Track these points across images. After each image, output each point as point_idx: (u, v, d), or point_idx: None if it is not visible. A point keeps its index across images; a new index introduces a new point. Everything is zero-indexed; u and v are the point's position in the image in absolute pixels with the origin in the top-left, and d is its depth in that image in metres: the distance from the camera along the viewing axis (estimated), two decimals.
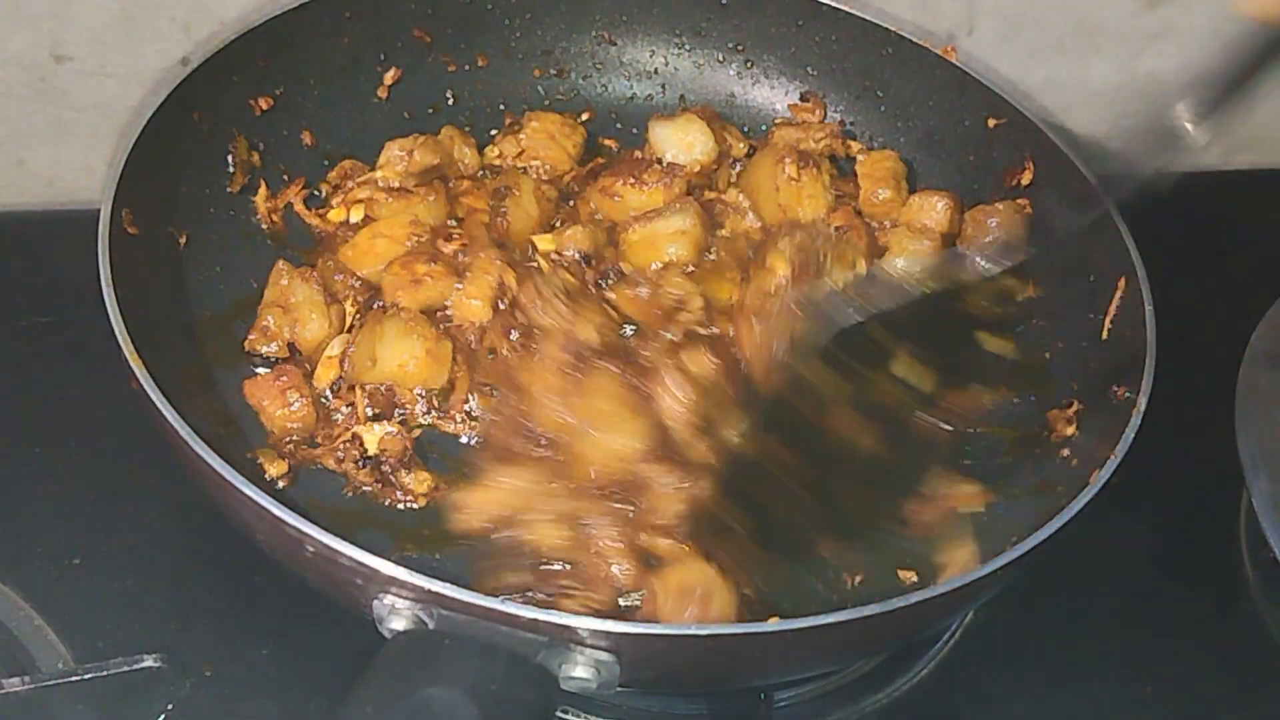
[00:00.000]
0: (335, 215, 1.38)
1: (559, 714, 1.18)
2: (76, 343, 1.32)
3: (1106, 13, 1.65)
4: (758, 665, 1.09)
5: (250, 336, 1.27)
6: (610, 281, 1.34)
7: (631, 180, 1.42)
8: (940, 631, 1.27)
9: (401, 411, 1.25)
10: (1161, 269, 1.28)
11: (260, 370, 1.26)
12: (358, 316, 1.30)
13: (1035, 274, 1.41)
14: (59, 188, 1.57)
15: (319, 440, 1.23)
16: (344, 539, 0.97)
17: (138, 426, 1.11)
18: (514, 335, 1.27)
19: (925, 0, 1.59)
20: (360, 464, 1.22)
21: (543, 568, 1.14)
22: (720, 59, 1.59)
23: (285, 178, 1.41)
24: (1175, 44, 1.67)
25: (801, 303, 1.20)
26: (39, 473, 1.30)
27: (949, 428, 1.20)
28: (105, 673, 1.12)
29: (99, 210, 1.17)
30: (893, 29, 1.51)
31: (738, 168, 1.50)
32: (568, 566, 1.15)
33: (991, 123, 1.47)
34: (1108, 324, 1.30)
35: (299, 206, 1.40)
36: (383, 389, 1.25)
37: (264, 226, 1.38)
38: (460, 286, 1.30)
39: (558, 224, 1.41)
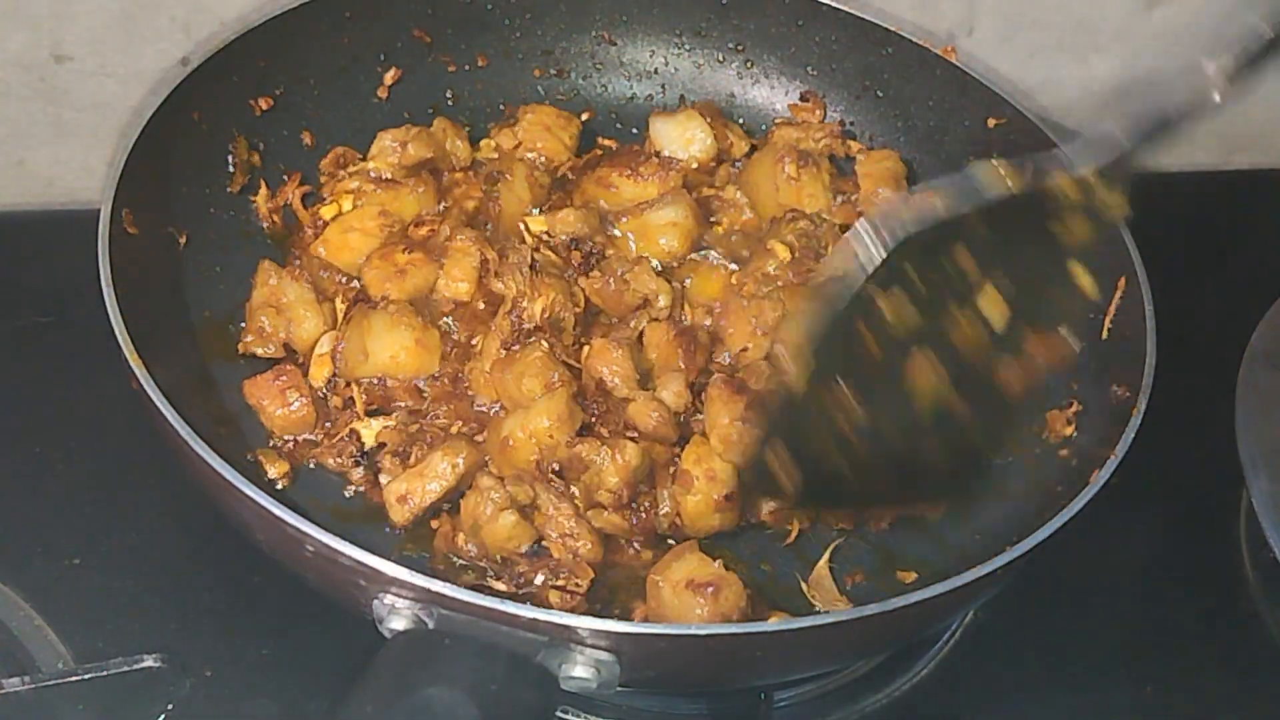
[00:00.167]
0: (327, 211, 1.38)
1: (559, 714, 1.18)
2: (76, 343, 1.32)
3: (1106, 13, 1.65)
4: (758, 665, 1.09)
5: (245, 339, 1.27)
6: (590, 264, 1.34)
7: (628, 172, 1.43)
8: (940, 631, 1.27)
9: (398, 405, 1.26)
10: (1161, 269, 1.28)
11: (260, 370, 1.25)
12: (347, 312, 1.30)
13: None
14: (59, 188, 1.57)
15: (318, 439, 1.23)
16: (344, 539, 0.97)
17: (138, 426, 1.11)
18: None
19: (925, 0, 1.59)
20: (359, 460, 1.22)
21: (509, 561, 1.14)
22: (720, 59, 1.59)
23: (285, 178, 1.41)
24: (1175, 44, 1.67)
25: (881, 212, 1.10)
26: (39, 473, 1.30)
27: (1022, 386, 1.10)
28: (105, 673, 1.12)
29: (99, 210, 1.17)
30: (893, 29, 1.51)
31: (738, 166, 1.50)
32: (533, 556, 1.15)
33: (991, 123, 1.47)
34: (1108, 324, 1.30)
35: (296, 204, 1.40)
36: (377, 382, 1.26)
37: (264, 226, 1.38)
38: (442, 272, 1.31)
39: (548, 208, 1.41)
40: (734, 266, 1.38)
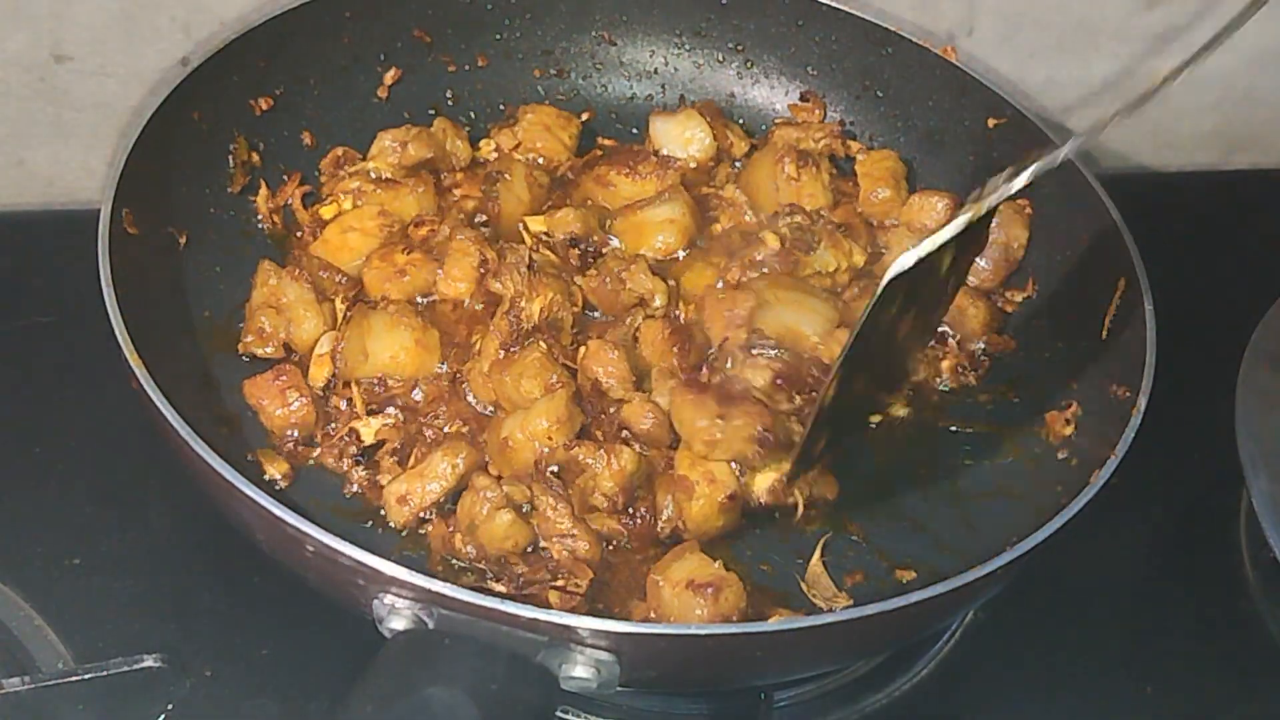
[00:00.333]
0: (327, 211, 1.38)
1: (559, 714, 1.18)
2: (76, 343, 1.32)
3: (1106, 13, 1.65)
4: (758, 665, 1.09)
5: (246, 339, 1.27)
6: (588, 262, 1.34)
7: (626, 170, 1.43)
8: (940, 631, 1.27)
9: (398, 405, 1.26)
10: (1161, 269, 1.28)
11: (260, 370, 1.25)
12: (347, 313, 1.30)
13: (1035, 274, 1.41)
14: (59, 188, 1.57)
15: (318, 439, 1.23)
16: (344, 539, 0.97)
17: (138, 426, 1.11)
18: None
19: (925, 0, 1.59)
20: (359, 460, 1.22)
21: (508, 562, 1.14)
22: (720, 59, 1.59)
23: (285, 178, 1.41)
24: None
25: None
26: (39, 473, 1.30)
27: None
28: (105, 673, 1.12)
29: (99, 210, 1.17)
30: (893, 29, 1.51)
31: (738, 165, 1.50)
32: (532, 557, 1.15)
33: (991, 123, 1.47)
34: (1108, 324, 1.30)
35: (296, 204, 1.40)
36: (377, 382, 1.26)
37: (264, 227, 1.38)
38: (441, 272, 1.31)
39: (547, 208, 1.41)
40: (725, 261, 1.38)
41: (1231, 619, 1.34)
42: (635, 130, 1.55)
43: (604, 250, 1.36)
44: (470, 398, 1.26)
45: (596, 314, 1.34)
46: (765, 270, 1.34)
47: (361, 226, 1.35)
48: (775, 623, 1.09)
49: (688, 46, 1.59)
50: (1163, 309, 1.25)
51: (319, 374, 1.26)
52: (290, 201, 1.40)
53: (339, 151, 1.42)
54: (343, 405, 1.25)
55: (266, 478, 1.20)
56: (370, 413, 1.24)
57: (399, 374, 1.26)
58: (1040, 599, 1.28)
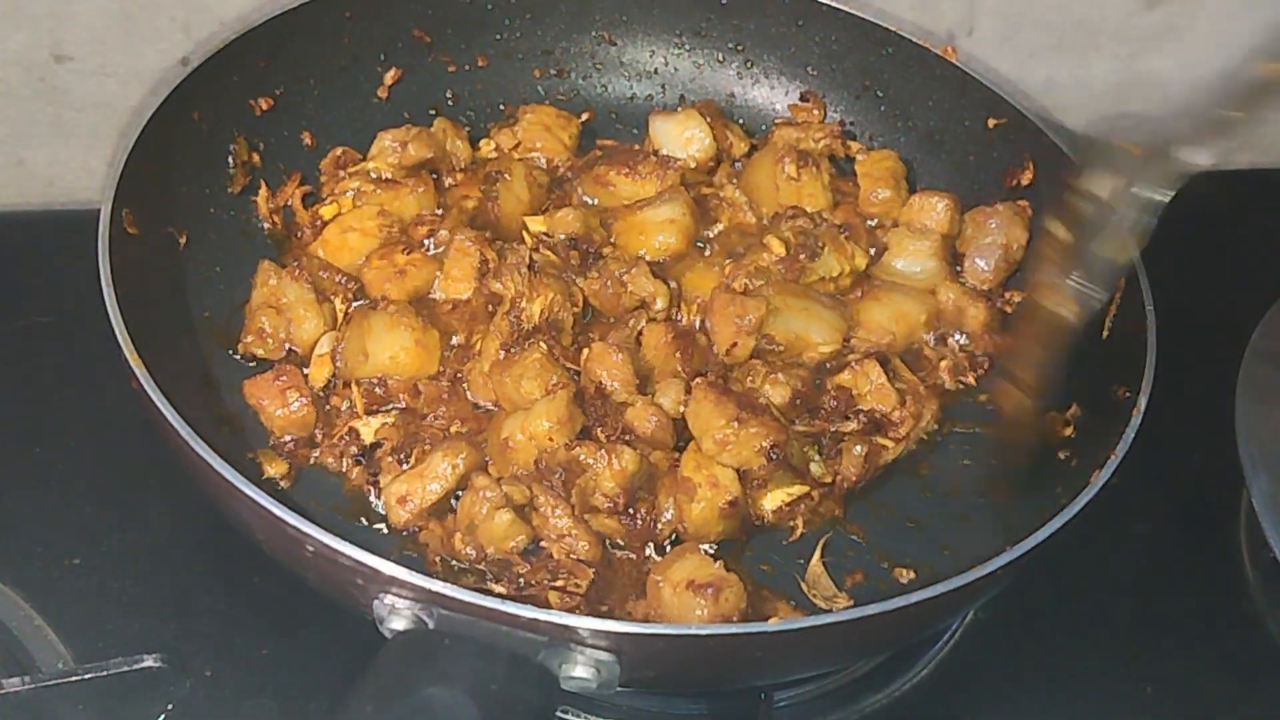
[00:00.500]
0: (327, 212, 1.38)
1: (559, 714, 1.18)
2: (76, 343, 1.32)
3: (1106, 13, 1.65)
4: (758, 665, 1.09)
5: (246, 339, 1.27)
6: (588, 263, 1.34)
7: (625, 170, 1.43)
8: (940, 631, 1.27)
9: (397, 405, 1.26)
10: (1161, 269, 1.28)
11: (260, 370, 1.25)
12: (347, 313, 1.30)
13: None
14: (59, 188, 1.57)
15: (318, 439, 1.23)
16: (344, 539, 0.97)
17: (138, 426, 1.11)
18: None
19: (925, 0, 1.59)
20: (359, 460, 1.22)
21: (507, 563, 1.14)
22: (720, 59, 1.59)
23: (285, 178, 1.41)
24: (1175, 44, 1.67)
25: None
26: (39, 472, 1.30)
27: None
28: (105, 673, 1.12)
29: (99, 210, 1.17)
30: (893, 29, 1.51)
31: (738, 165, 1.50)
32: (531, 557, 1.15)
33: (991, 123, 1.47)
34: (1108, 324, 1.30)
35: (296, 204, 1.40)
36: (377, 382, 1.25)
37: (265, 227, 1.38)
38: (441, 272, 1.31)
39: (547, 208, 1.41)
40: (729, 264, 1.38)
41: (1231, 619, 1.34)
42: (635, 130, 1.55)
43: (604, 251, 1.36)
44: (470, 397, 1.26)
45: (601, 316, 1.34)
46: (771, 277, 1.34)
47: (361, 226, 1.35)
48: (775, 623, 1.09)
49: (688, 46, 1.59)
50: (1163, 309, 1.25)
51: (319, 374, 1.26)
52: (290, 201, 1.40)
53: (339, 151, 1.42)
54: (343, 405, 1.25)
55: (266, 478, 1.20)
56: (370, 412, 1.24)
57: (399, 374, 1.26)
58: (1040, 599, 1.28)
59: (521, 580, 1.13)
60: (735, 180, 1.47)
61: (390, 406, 1.25)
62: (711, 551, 1.17)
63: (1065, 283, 1.19)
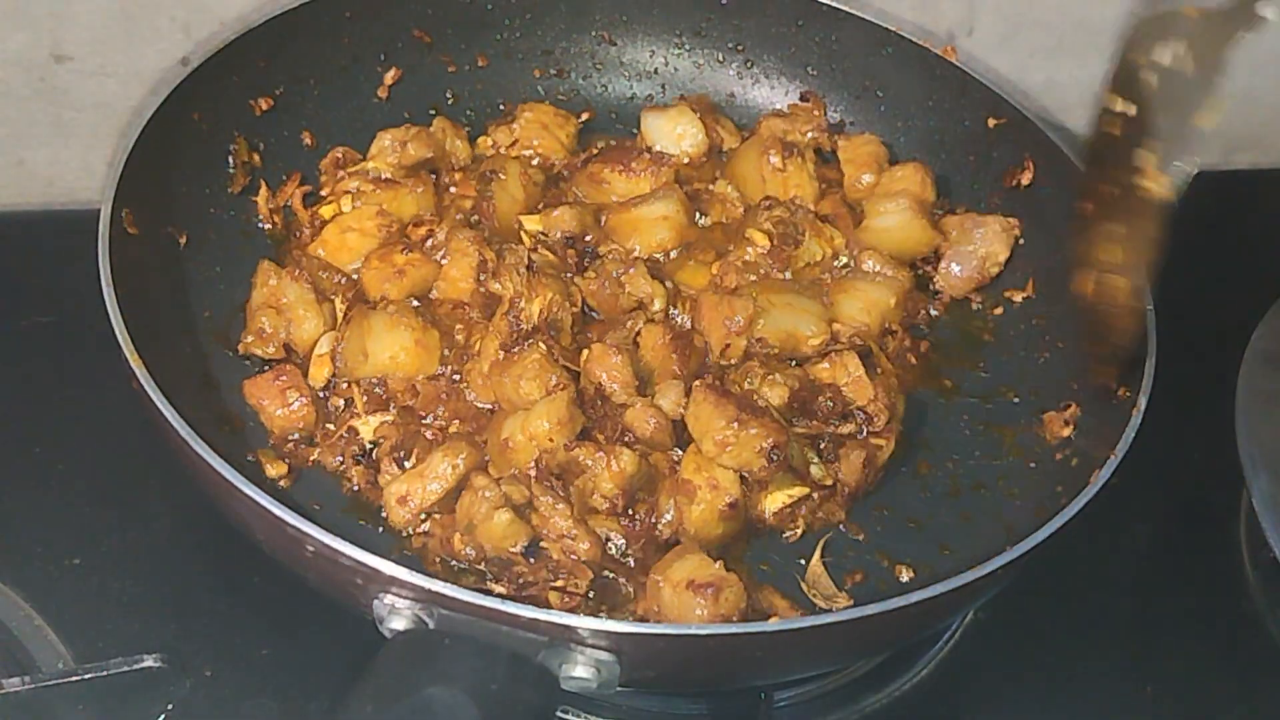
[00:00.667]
0: (326, 211, 1.38)
1: (559, 714, 1.18)
2: (76, 343, 1.32)
3: (1106, 13, 1.64)
4: (758, 665, 1.09)
5: (246, 340, 1.27)
6: (586, 263, 1.34)
7: (620, 167, 1.42)
8: (940, 631, 1.27)
9: (397, 404, 1.26)
10: (1162, 269, 1.28)
11: (260, 370, 1.25)
12: (346, 313, 1.30)
13: (1035, 274, 1.41)
14: (59, 188, 1.57)
15: (318, 439, 1.23)
16: (344, 539, 0.97)
17: (138, 426, 1.11)
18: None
19: (925, 0, 1.59)
20: (359, 460, 1.22)
21: (507, 563, 1.14)
22: (720, 59, 1.59)
23: (285, 178, 1.41)
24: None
25: None
26: (39, 472, 1.30)
27: None
28: (105, 673, 1.12)
29: (99, 210, 1.17)
30: (893, 29, 1.51)
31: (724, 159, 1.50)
32: (532, 558, 1.15)
33: (991, 123, 1.47)
34: None
35: (296, 204, 1.40)
36: (377, 383, 1.25)
37: (265, 227, 1.38)
38: (440, 272, 1.31)
39: (542, 207, 1.41)
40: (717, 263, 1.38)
41: (1231, 619, 1.34)
42: (636, 131, 1.54)
43: (600, 249, 1.36)
44: (470, 397, 1.26)
45: (596, 314, 1.34)
46: (761, 270, 1.34)
47: (360, 227, 1.35)
48: (775, 623, 1.09)
49: (688, 46, 1.59)
50: (1163, 309, 1.25)
51: (319, 374, 1.26)
52: (290, 202, 1.40)
53: (339, 152, 1.42)
54: (343, 405, 1.25)
55: (266, 478, 1.20)
56: (370, 412, 1.24)
57: (399, 374, 1.25)
58: (1040, 599, 1.28)
59: (521, 580, 1.13)
60: (723, 173, 1.47)
61: (390, 406, 1.25)
62: (711, 552, 1.17)
63: (1145, 155, 1.15)
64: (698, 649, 1.00)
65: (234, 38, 1.34)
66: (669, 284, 1.35)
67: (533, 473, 1.18)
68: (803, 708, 1.22)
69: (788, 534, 1.22)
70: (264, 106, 1.39)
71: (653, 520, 1.19)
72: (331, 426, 1.24)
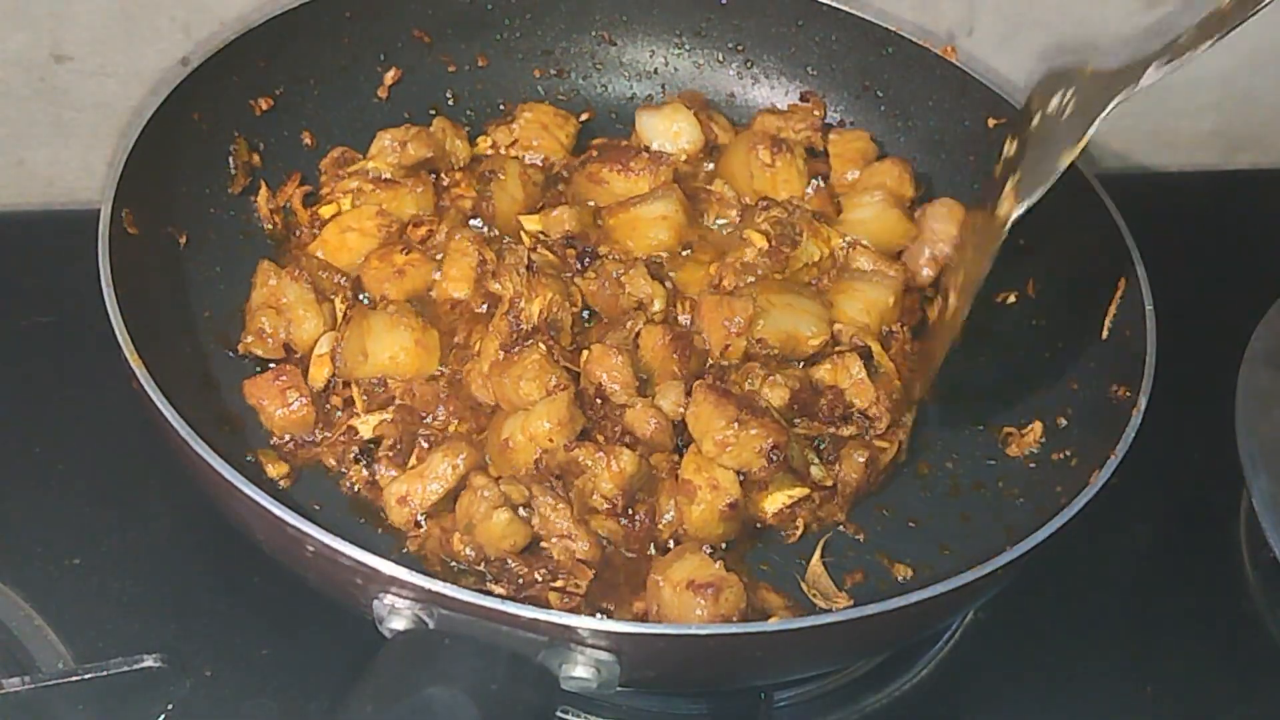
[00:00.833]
0: (326, 211, 1.38)
1: (559, 714, 1.18)
2: (76, 343, 1.32)
3: (1106, 13, 1.65)
4: (758, 665, 1.09)
5: (246, 340, 1.27)
6: (585, 263, 1.34)
7: (618, 167, 1.42)
8: (940, 631, 1.27)
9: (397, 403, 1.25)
10: (1161, 269, 1.28)
11: (260, 370, 1.25)
12: (346, 313, 1.30)
13: (1035, 274, 1.41)
14: (59, 188, 1.57)
15: (318, 439, 1.23)
16: (344, 539, 0.97)
17: (138, 426, 1.11)
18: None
19: (925, 0, 1.59)
20: (359, 460, 1.22)
21: (507, 563, 1.14)
22: (720, 59, 1.59)
23: (285, 178, 1.41)
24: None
25: None
26: (39, 472, 1.30)
27: None
28: (105, 673, 1.12)
29: (99, 210, 1.17)
30: (893, 29, 1.51)
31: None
32: (531, 557, 1.15)
33: (991, 123, 1.47)
34: (1108, 324, 1.30)
35: (296, 204, 1.40)
36: (377, 382, 1.25)
37: (265, 227, 1.38)
38: (440, 272, 1.31)
39: (542, 207, 1.41)
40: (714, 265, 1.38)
41: (1231, 619, 1.34)
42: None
43: (600, 249, 1.36)
44: (470, 398, 1.26)
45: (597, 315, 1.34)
46: (759, 271, 1.34)
47: (360, 226, 1.35)
48: (775, 623, 1.09)
49: (688, 46, 1.59)
50: (1163, 309, 1.25)
51: (319, 374, 1.26)
52: (290, 202, 1.40)
53: (338, 152, 1.42)
54: (342, 405, 1.25)
55: (266, 478, 1.20)
56: (369, 412, 1.24)
57: (399, 374, 1.25)
58: (1040, 599, 1.28)
59: (521, 580, 1.13)
60: (715, 170, 1.47)
61: (391, 405, 1.25)
62: (711, 551, 1.17)
63: (1008, 182, 1.22)
64: (698, 649, 1.00)
65: (234, 38, 1.34)
66: (668, 284, 1.34)
67: (533, 473, 1.18)
68: (803, 708, 1.22)
69: (787, 533, 1.22)
70: (264, 106, 1.39)
71: (652, 521, 1.19)
72: (332, 427, 1.24)
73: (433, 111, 1.49)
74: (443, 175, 1.42)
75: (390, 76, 1.49)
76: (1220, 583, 1.36)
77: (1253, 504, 1.28)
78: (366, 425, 1.23)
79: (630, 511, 1.18)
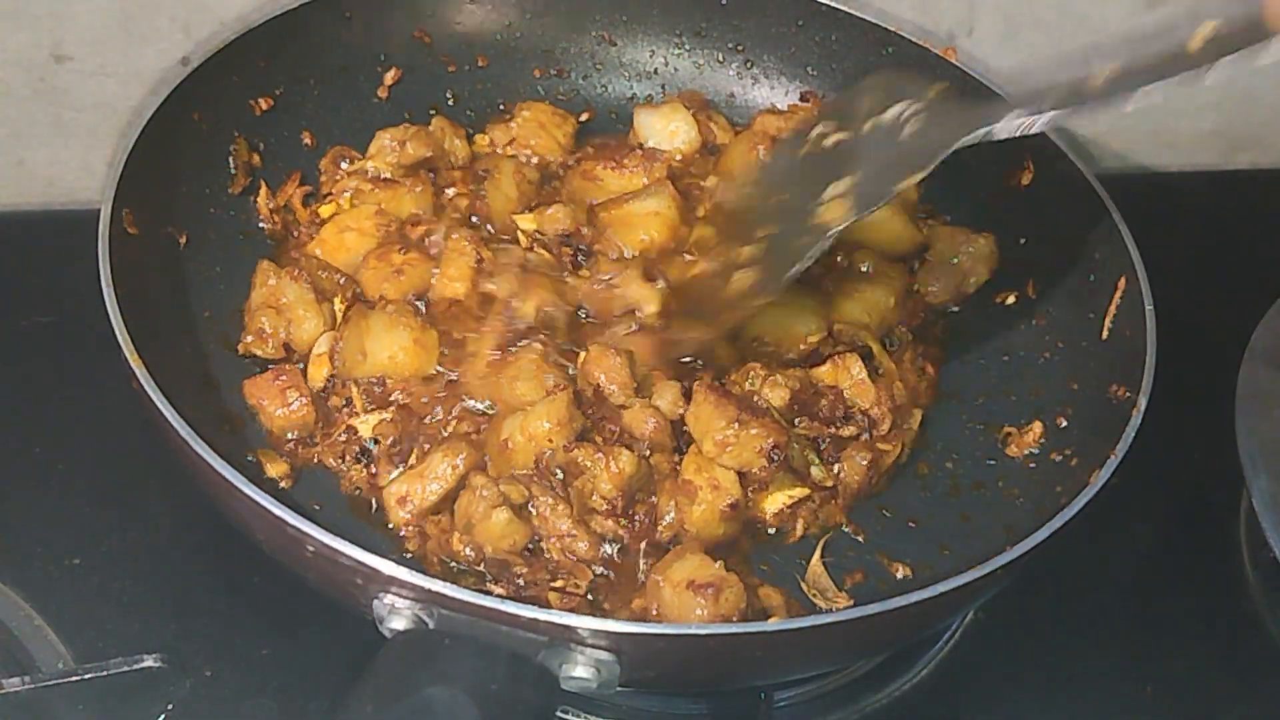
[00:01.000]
0: (325, 211, 1.38)
1: (559, 714, 1.18)
2: (76, 343, 1.32)
3: (1106, 13, 1.65)
4: (758, 665, 1.09)
5: (245, 340, 1.27)
6: (580, 262, 1.34)
7: (612, 164, 1.42)
8: (940, 631, 1.27)
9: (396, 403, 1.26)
10: (1161, 269, 1.28)
11: (259, 370, 1.25)
12: (345, 312, 1.30)
13: (1035, 274, 1.41)
14: (59, 188, 1.57)
15: (318, 439, 1.23)
16: (344, 539, 0.97)
17: (138, 426, 1.11)
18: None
19: (925, 0, 1.59)
20: (359, 459, 1.22)
21: (507, 563, 1.14)
22: (720, 59, 1.59)
23: (285, 178, 1.41)
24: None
25: None
26: (39, 472, 1.30)
27: None
28: (105, 673, 1.12)
29: (99, 210, 1.17)
30: (893, 29, 1.51)
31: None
32: (530, 558, 1.15)
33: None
34: (1108, 324, 1.30)
35: (296, 204, 1.40)
36: (376, 382, 1.25)
37: (265, 227, 1.38)
38: (438, 271, 1.31)
39: (535, 206, 1.41)
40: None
41: (1231, 619, 1.34)
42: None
43: (594, 247, 1.36)
44: (467, 397, 1.26)
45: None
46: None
47: (358, 226, 1.35)
48: (775, 623, 1.09)
49: (688, 46, 1.59)
50: (1163, 309, 1.25)
51: (318, 374, 1.26)
52: (290, 202, 1.40)
53: (336, 151, 1.42)
54: (342, 405, 1.25)
55: (266, 478, 1.20)
56: (369, 411, 1.24)
57: (397, 374, 1.25)
58: (1040, 599, 1.28)
59: (521, 580, 1.13)
60: (714, 169, 1.46)
61: (390, 404, 1.25)
62: (711, 552, 1.17)
63: (842, 181, 1.19)
64: (698, 649, 1.00)
65: (234, 38, 1.34)
66: (663, 284, 1.34)
67: (532, 473, 1.18)
68: (803, 708, 1.22)
69: (787, 533, 1.22)
70: (264, 106, 1.39)
71: (652, 521, 1.19)
72: (332, 426, 1.24)
73: (432, 111, 1.49)
74: (441, 175, 1.42)
75: (390, 76, 1.49)
76: (1220, 583, 1.36)
77: (1253, 504, 1.28)
78: (366, 425, 1.23)
79: (630, 511, 1.18)
